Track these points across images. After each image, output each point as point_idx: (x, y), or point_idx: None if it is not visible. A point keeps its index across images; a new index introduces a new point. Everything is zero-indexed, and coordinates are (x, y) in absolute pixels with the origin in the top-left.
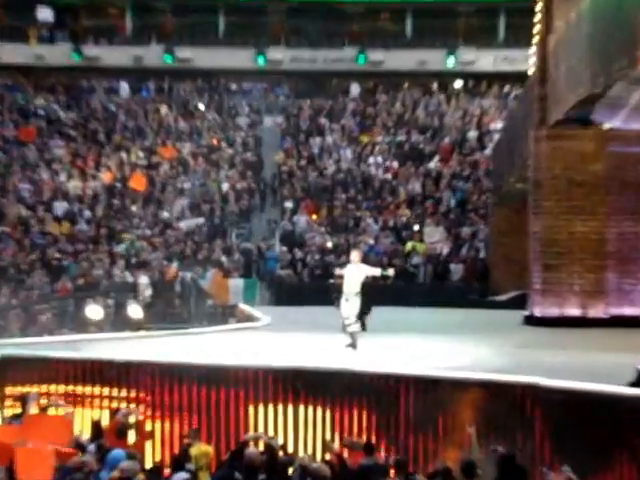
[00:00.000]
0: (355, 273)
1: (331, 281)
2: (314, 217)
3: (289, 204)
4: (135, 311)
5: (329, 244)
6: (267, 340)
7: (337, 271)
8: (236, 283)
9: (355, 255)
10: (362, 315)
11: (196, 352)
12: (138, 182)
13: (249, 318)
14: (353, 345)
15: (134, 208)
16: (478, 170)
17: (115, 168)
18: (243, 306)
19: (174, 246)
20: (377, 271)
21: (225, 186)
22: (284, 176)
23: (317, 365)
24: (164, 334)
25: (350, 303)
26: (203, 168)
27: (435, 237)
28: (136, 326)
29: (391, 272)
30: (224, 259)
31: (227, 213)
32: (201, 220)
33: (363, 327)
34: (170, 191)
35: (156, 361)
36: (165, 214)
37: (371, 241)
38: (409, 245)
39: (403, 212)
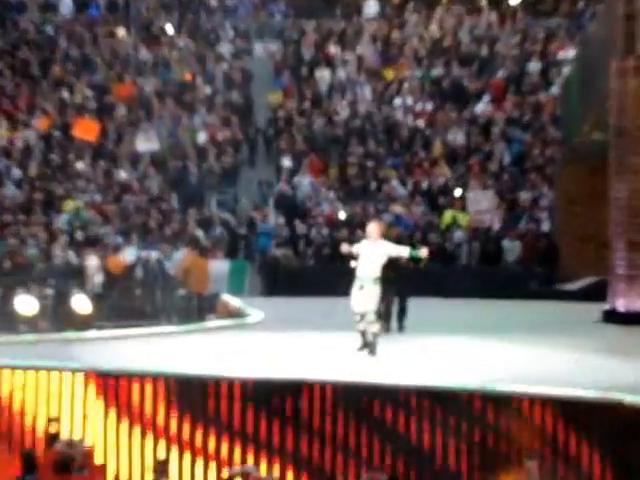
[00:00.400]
0: (373, 253)
1: (352, 264)
2: (321, 178)
3: (287, 161)
4: (81, 304)
5: (341, 215)
6: (257, 343)
7: (344, 247)
8: (217, 267)
9: (373, 228)
10: (387, 310)
11: (161, 359)
12: (85, 130)
13: (234, 313)
14: (371, 349)
15: (80, 166)
16: (541, 115)
17: (54, 112)
18: (226, 297)
19: (134, 217)
20: (404, 250)
21: (202, 137)
22: (281, 123)
23: (330, 378)
24: (120, 335)
25: (366, 293)
26: (172, 112)
27: (483, 205)
28: (83, 324)
29: (424, 252)
30: (200, 234)
31: (204, 173)
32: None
33: (387, 326)
34: (128, 143)
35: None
36: (122, 174)
37: (398, 210)
38: (448, 216)
39: (440, 171)
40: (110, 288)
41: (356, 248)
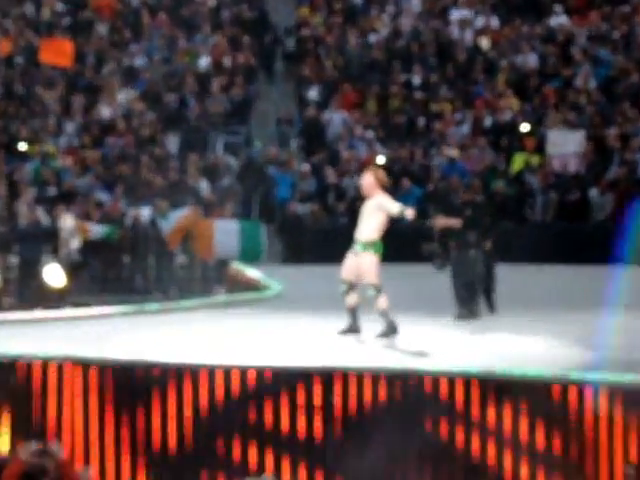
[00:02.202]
0: (367, 209)
1: (426, 222)
2: (356, 114)
3: (314, 92)
4: (54, 275)
5: (380, 159)
6: (273, 326)
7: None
8: (226, 227)
9: (367, 179)
10: (470, 285)
11: (153, 347)
12: (56, 54)
13: (247, 286)
14: (389, 330)
15: (49, 99)
16: (634, 29)
17: (16, 32)
18: (237, 266)
19: (119, 165)
20: (394, 207)
21: (204, 62)
22: (305, 45)
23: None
24: (103, 313)
25: (360, 261)
26: (166, 31)
27: (567, 147)
28: (56, 300)
29: (409, 213)
30: (204, 186)
31: (208, 108)
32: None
33: (475, 308)
34: (111, 70)
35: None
36: (103, 111)
37: (453, 153)
38: (518, 160)
39: (507, 103)
40: (90, 255)
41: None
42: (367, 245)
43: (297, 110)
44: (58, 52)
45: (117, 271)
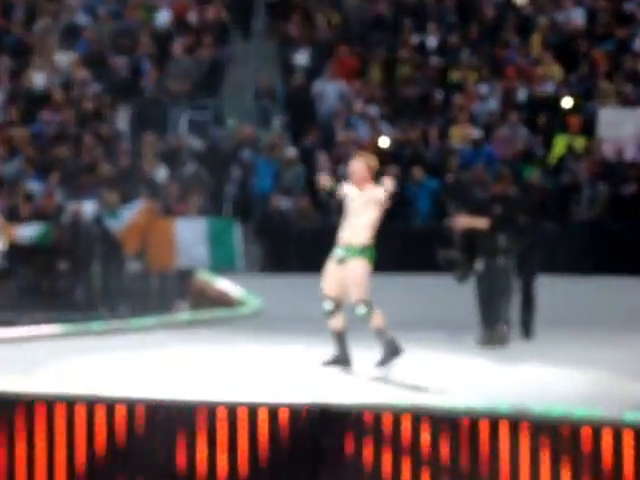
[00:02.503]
0: (359, 205)
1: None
2: (356, 84)
3: (302, 56)
4: None
5: (383, 141)
6: (247, 352)
7: (322, 179)
8: (190, 228)
9: (359, 167)
10: (499, 302)
11: (98, 373)
12: None
13: (217, 300)
14: (391, 352)
15: None
16: None
17: None
18: (204, 276)
19: (56, 146)
20: (384, 190)
21: (163, 18)
22: None
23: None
24: (33, 335)
25: (349, 270)
26: None
27: (617, 126)
28: None
29: (387, 184)
30: (162, 175)
31: (168, 76)
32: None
33: (506, 332)
34: (45, 27)
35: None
36: (36, 78)
37: (476, 134)
38: (560, 143)
39: (546, 72)
40: (18, 261)
41: (340, 189)
42: (356, 250)
43: (281, 79)
44: None
45: (52, 281)
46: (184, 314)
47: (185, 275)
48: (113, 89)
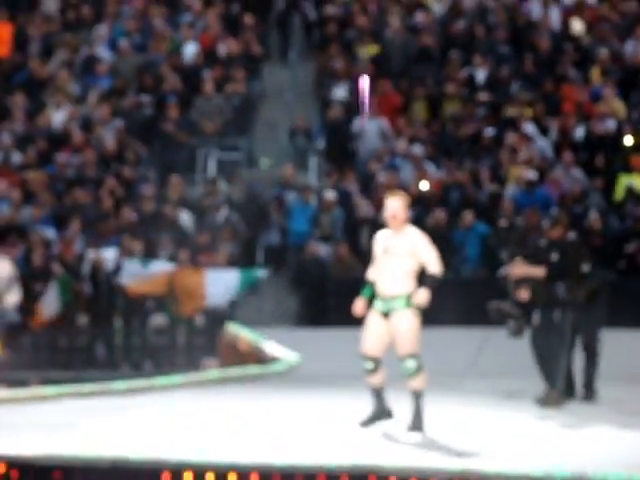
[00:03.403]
0: (398, 250)
1: (501, 271)
2: (398, 122)
3: (341, 91)
4: None
5: (423, 185)
6: (281, 411)
7: (358, 307)
8: (220, 280)
9: (395, 205)
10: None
11: (118, 439)
12: None
13: (249, 356)
14: (414, 423)
15: None
16: None
17: None
18: (234, 329)
19: (73, 191)
20: (435, 264)
21: (191, 50)
22: (329, 28)
23: None
24: (50, 394)
25: (394, 323)
26: (139, 8)
27: None
28: None
29: (423, 297)
30: (189, 221)
31: (196, 112)
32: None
33: (570, 390)
34: (63, 61)
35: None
36: (53, 116)
37: (531, 175)
38: (623, 184)
39: (607, 108)
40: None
41: (374, 246)
42: (402, 301)
43: (318, 115)
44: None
45: (70, 337)
46: (213, 371)
47: (213, 329)
48: (136, 128)
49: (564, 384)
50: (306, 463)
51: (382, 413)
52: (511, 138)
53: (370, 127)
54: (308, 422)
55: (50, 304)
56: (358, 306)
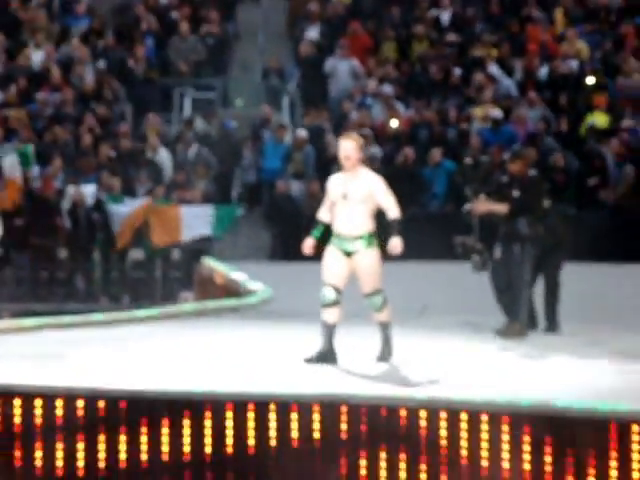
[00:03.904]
0: (354, 192)
1: (465, 207)
2: (369, 62)
3: (314, 32)
4: None
5: (393, 123)
6: (252, 342)
7: (307, 245)
8: (195, 215)
9: (348, 147)
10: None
11: (93, 369)
12: None
13: (224, 289)
14: (389, 351)
15: None
16: None
17: None
18: (209, 263)
19: (53, 129)
20: (393, 208)
21: None
22: None
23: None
24: (30, 325)
25: (361, 260)
26: None
27: None
28: None
29: (396, 245)
30: (166, 158)
31: (172, 49)
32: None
33: (533, 321)
34: (42, 4)
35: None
36: (32, 55)
37: (495, 113)
38: (587, 121)
39: (571, 48)
40: (15, 248)
41: (329, 190)
42: (364, 240)
43: (291, 55)
44: None
45: (49, 267)
46: (189, 304)
47: (189, 262)
48: (113, 68)
49: (526, 316)
50: (279, 392)
51: (329, 354)
52: (477, 77)
53: (342, 67)
54: (281, 354)
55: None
56: (307, 245)
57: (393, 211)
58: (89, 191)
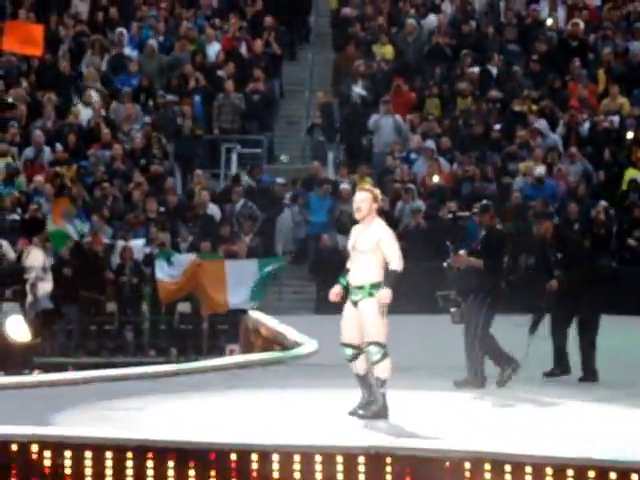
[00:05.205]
0: (364, 242)
1: (446, 262)
2: (412, 118)
3: (359, 90)
4: (18, 328)
5: (434, 178)
6: (293, 397)
7: (333, 293)
8: (241, 270)
9: (362, 199)
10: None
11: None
12: (23, 39)
13: (268, 341)
14: (377, 409)
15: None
16: None
17: None
18: (256, 316)
19: (104, 185)
20: (396, 261)
21: (214, 49)
22: (346, 28)
23: None
24: (82, 378)
25: (361, 312)
26: (165, 10)
27: None
28: (21, 360)
29: (385, 296)
30: (215, 212)
31: (218, 110)
32: None
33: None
34: (91, 61)
35: None
36: (82, 113)
37: (538, 172)
38: (629, 175)
39: (613, 104)
40: (65, 302)
41: (349, 241)
42: (365, 290)
43: (337, 112)
44: (25, 38)
45: (100, 323)
46: (235, 357)
47: (236, 315)
48: (161, 124)
49: (475, 372)
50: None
51: (369, 404)
52: (521, 133)
53: (385, 123)
54: (325, 405)
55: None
56: (333, 292)
57: (393, 262)
58: (139, 243)
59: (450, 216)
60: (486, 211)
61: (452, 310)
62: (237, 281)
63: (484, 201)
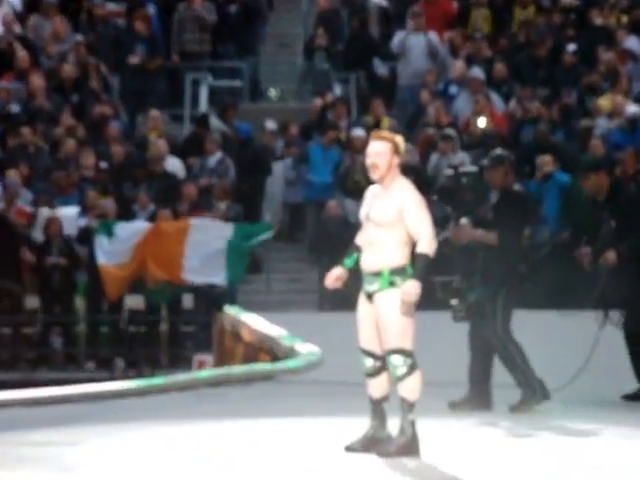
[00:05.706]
0: (380, 216)
1: (443, 235)
2: (452, 37)
3: None
4: None
5: (481, 122)
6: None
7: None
8: (211, 231)
9: (376, 151)
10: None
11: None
12: None
13: (252, 349)
14: (405, 446)
15: None
16: None
17: None
18: (233, 313)
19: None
20: (422, 230)
21: None
22: None
23: None
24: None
25: (380, 307)
26: None
27: None
28: None
29: (426, 247)
30: (177, 167)
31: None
32: None
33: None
34: None
35: None
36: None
37: (632, 107)
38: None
39: None
40: None
41: (362, 208)
42: (384, 279)
43: (347, 28)
44: None
45: (17, 325)
46: (206, 370)
47: (207, 312)
48: (102, 47)
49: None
50: None
51: (374, 440)
52: (605, 56)
53: (415, 43)
54: (326, 437)
55: None
56: (330, 276)
57: (422, 242)
58: (69, 213)
59: (451, 172)
60: (499, 165)
61: (454, 303)
62: (200, 249)
63: (497, 151)
